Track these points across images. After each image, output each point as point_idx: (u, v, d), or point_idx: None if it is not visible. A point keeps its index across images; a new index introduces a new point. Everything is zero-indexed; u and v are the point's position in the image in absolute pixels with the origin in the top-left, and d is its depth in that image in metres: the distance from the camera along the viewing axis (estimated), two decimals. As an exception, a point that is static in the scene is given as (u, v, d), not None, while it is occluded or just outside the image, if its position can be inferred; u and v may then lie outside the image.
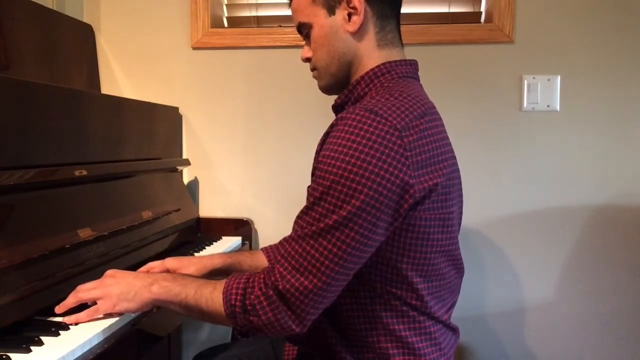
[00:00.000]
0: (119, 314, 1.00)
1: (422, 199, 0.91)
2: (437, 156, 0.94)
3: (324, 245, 0.89)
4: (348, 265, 0.90)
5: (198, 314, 0.98)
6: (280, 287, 0.90)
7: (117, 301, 0.99)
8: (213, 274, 1.22)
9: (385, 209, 0.88)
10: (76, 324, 0.97)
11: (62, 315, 0.99)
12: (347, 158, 0.87)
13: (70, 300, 1.00)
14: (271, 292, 0.91)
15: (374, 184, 0.87)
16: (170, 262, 1.20)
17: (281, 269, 0.91)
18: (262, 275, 0.94)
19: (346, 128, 0.90)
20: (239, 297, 0.93)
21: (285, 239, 0.95)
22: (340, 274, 0.90)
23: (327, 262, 0.89)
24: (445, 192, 0.95)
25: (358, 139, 0.88)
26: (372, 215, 0.88)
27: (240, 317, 0.93)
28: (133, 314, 1.04)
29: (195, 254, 1.52)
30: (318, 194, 0.90)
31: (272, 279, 0.91)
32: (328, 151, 0.90)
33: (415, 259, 0.96)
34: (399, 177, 0.88)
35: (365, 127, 0.89)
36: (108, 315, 1.00)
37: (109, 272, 1.04)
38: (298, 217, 0.94)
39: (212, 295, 0.95)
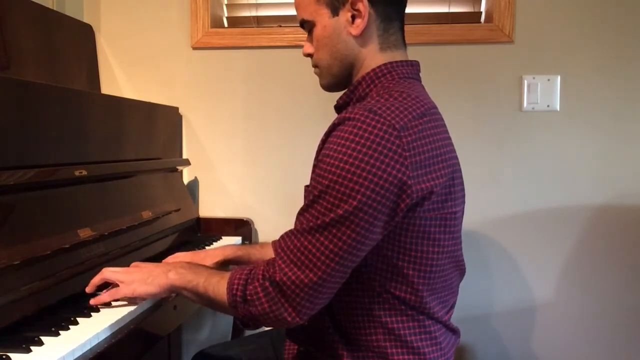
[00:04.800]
0: (140, 299, 1.06)
1: (421, 200, 0.92)
2: (437, 157, 0.94)
3: (320, 241, 0.91)
4: (344, 262, 0.91)
5: (207, 302, 1.03)
6: (278, 279, 0.93)
7: (137, 286, 1.03)
8: (225, 264, 1.29)
9: (382, 208, 0.89)
10: (96, 305, 1.04)
11: (91, 295, 1.07)
12: (345, 157, 0.89)
13: (96, 279, 1.07)
14: (267, 284, 0.94)
15: (371, 183, 0.88)
16: (190, 255, 1.29)
17: (280, 262, 0.94)
18: (262, 268, 0.96)
19: (346, 128, 0.91)
20: (240, 288, 0.96)
21: (286, 233, 0.97)
22: (337, 271, 0.92)
23: (323, 257, 0.91)
24: (446, 192, 0.95)
25: (357, 138, 0.89)
26: (369, 214, 0.89)
27: (241, 306, 0.96)
28: (144, 305, 1.09)
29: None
30: (317, 192, 0.92)
31: (271, 271, 0.94)
32: (328, 150, 0.92)
33: (417, 257, 0.96)
34: (397, 177, 0.89)
35: (364, 126, 0.90)
36: (129, 301, 1.06)
37: (134, 263, 1.11)
38: (299, 213, 0.96)
39: (219, 285, 0.99)
